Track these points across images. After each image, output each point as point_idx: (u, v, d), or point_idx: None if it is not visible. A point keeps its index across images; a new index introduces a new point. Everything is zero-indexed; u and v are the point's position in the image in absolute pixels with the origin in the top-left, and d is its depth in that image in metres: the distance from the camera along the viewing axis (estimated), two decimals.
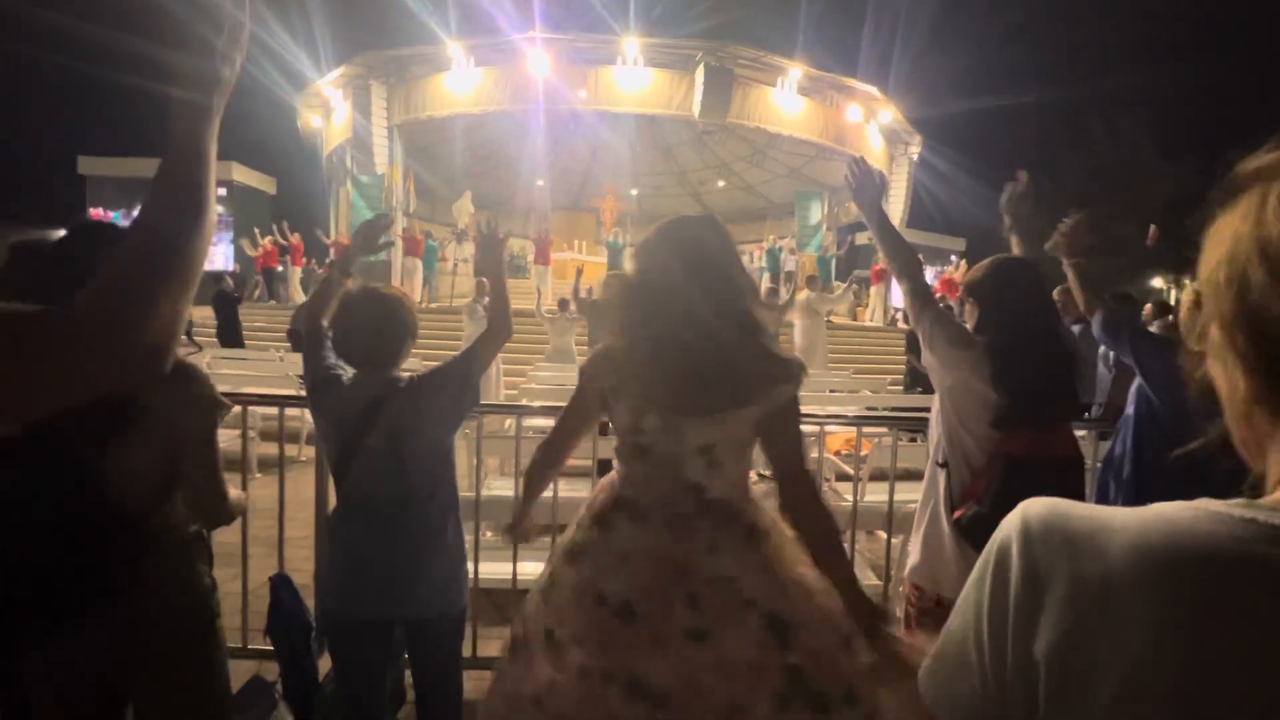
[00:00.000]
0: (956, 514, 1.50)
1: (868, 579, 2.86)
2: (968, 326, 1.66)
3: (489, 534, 2.99)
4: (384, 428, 1.52)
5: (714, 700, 1.09)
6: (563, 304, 7.78)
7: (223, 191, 16.60)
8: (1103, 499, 2.19)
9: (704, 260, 1.22)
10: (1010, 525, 0.46)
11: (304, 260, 13.64)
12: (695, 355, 1.18)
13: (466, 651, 2.52)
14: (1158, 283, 19.20)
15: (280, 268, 13.52)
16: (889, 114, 14.29)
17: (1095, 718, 0.38)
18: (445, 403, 1.59)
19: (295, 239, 13.42)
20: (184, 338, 1.07)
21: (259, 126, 16.15)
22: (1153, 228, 3.95)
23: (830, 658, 1.11)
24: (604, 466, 1.81)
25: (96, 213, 14.04)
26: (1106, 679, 0.37)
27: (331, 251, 13.26)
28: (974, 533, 1.47)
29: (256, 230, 13.95)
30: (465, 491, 2.58)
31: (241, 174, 16.49)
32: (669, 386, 1.19)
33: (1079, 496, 1.49)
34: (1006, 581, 0.44)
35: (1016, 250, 1.81)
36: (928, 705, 0.50)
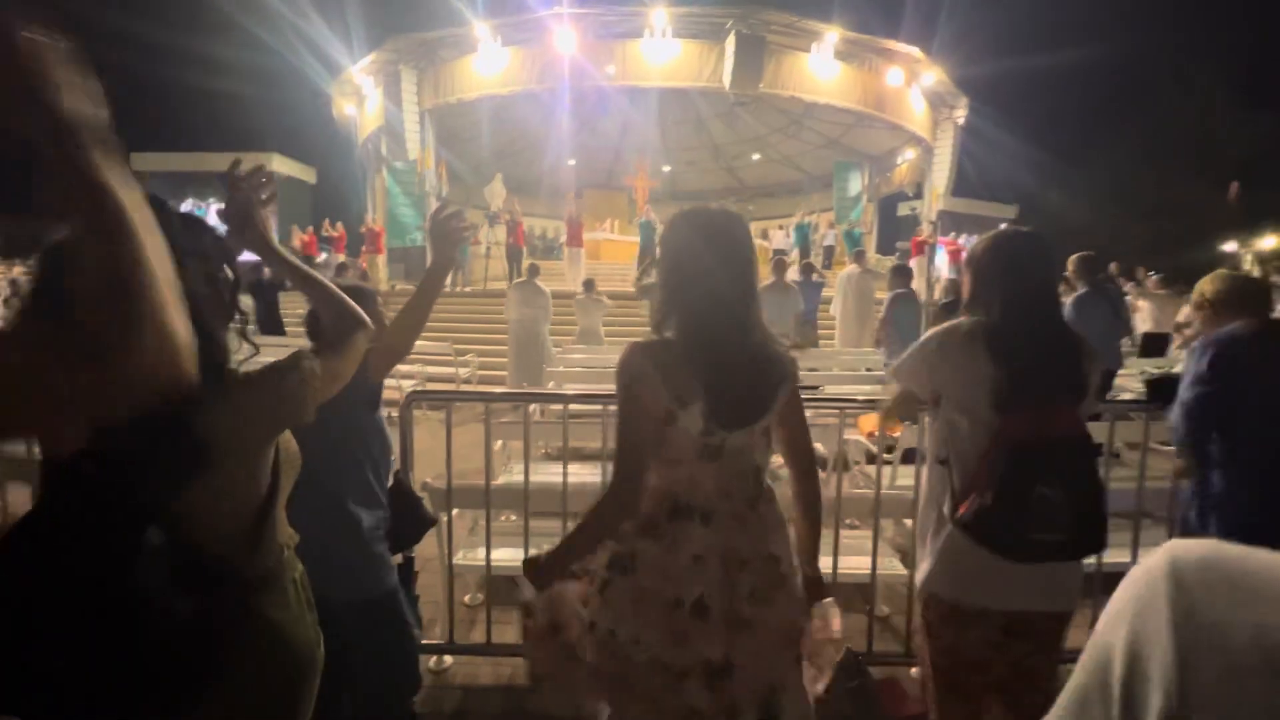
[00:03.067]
0: (960, 510, 1.40)
1: (894, 569, 2.74)
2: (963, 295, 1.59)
3: (512, 518, 3.00)
4: None
5: (764, 672, 1.23)
6: (587, 284, 7.74)
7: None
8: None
9: (735, 251, 1.25)
10: (1154, 568, 0.40)
11: (345, 250, 14.01)
12: (730, 358, 1.22)
13: (480, 638, 2.54)
14: (1230, 246, 17.90)
15: (323, 255, 13.88)
16: (932, 76, 13.58)
17: None
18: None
19: (338, 229, 13.79)
20: (241, 340, 0.99)
21: (297, 116, 16.52)
22: (1234, 185, 3.65)
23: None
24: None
25: None
26: None
27: (367, 239, 13.55)
28: (979, 529, 1.36)
29: (294, 226, 14.34)
30: (477, 480, 2.58)
31: (282, 164, 16.91)
32: (722, 403, 1.21)
33: (1089, 479, 1.38)
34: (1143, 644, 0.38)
35: None
36: None
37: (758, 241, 11.24)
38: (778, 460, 1.41)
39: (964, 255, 1.63)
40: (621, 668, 1.22)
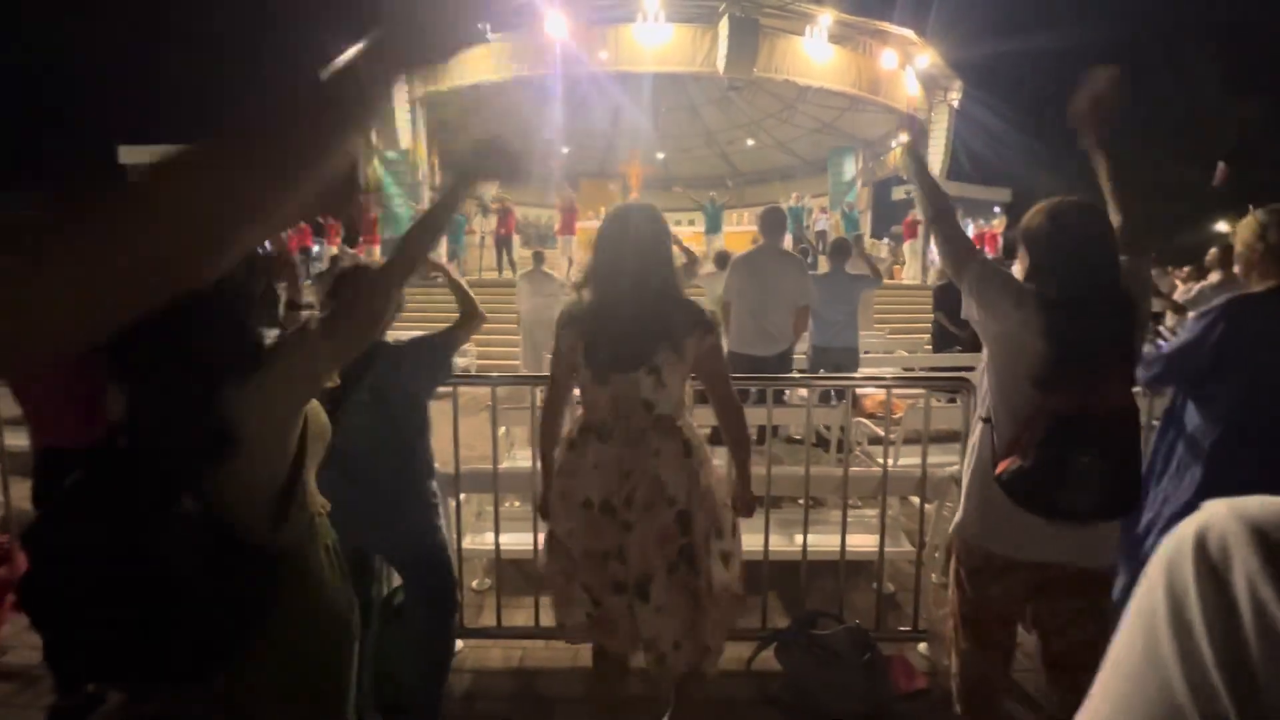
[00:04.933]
0: (999, 468, 1.41)
1: (901, 545, 2.76)
2: (1017, 275, 1.54)
3: (517, 504, 2.99)
4: (370, 383, 1.73)
5: (634, 567, 1.56)
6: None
7: None
8: (1163, 462, 1.99)
9: (637, 239, 1.61)
10: (1191, 537, 0.30)
11: (339, 240, 13.83)
12: (626, 312, 1.57)
13: (490, 621, 2.55)
14: (1223, 227, 18.01)
15: (316, 248, 13.74)
16: (926, 58, 13.51)
17: None
18: (423, 368, 1.87)
19: (331, 219, 13.59)
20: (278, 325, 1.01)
21: None
22: (1221, 166, 3.62)
23: (706, 531, 1.59)
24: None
25: None
26: None
27: (364, 227, 13.40)
28: (1016, 488, 1.38)
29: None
30: (483, 464, 2.57)
31: None
32: (611, 345, 1.58)
33: (1132, 450, 1.38)
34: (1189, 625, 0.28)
35: (1108, 188, 1.57)
36: None
37: (752, 228, 11.23)
38: None
39: (1019, 226, 1.59)
40: (567, 558, 1.63)
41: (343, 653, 1.09)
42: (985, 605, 1.53)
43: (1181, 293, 5.66)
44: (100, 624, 0.82)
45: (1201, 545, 0.29)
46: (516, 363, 7.43)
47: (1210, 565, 0.28)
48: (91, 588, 0.81)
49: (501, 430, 3.36)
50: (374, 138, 14.58)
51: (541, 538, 2.56)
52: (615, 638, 1.65)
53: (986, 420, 1.51)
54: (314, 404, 1.10)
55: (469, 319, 2.05)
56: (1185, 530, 0.30)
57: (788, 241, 12.39)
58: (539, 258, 7.49)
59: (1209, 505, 0.30)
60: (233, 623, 0.90)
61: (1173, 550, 0.30)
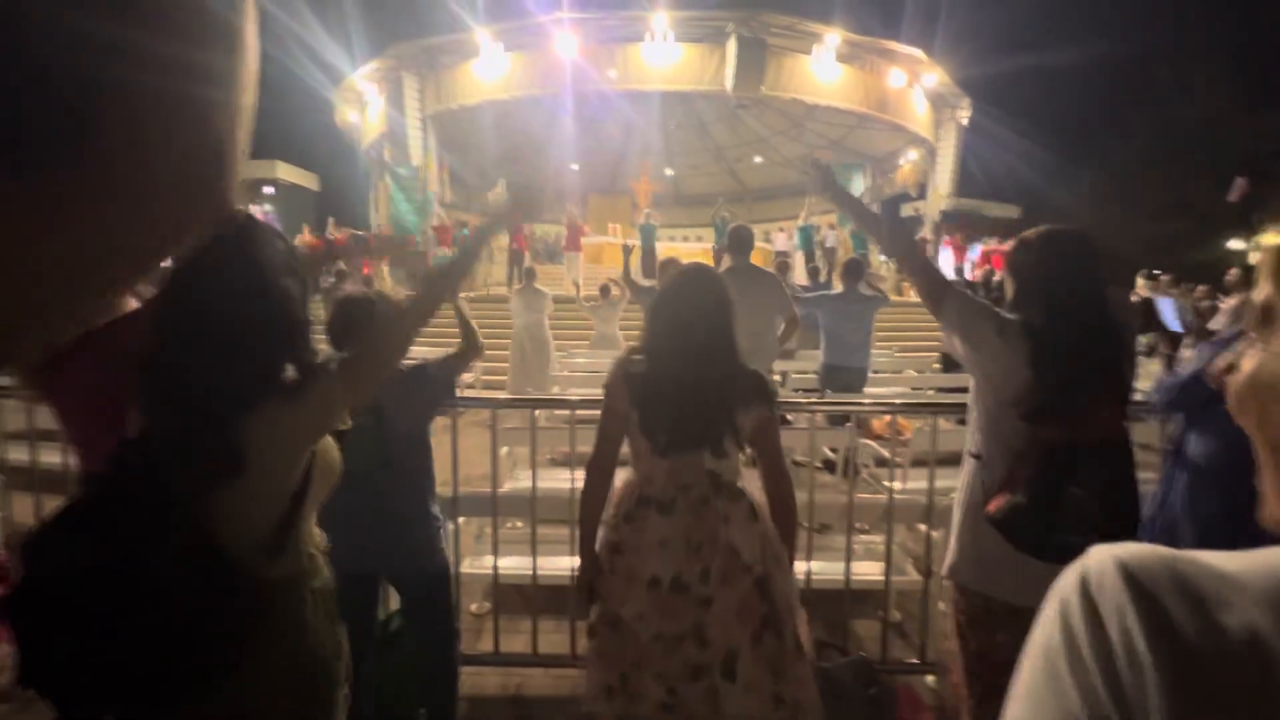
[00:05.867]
0: (990, 507, 1.37)
1: (908, 573, 2.70)
2: (1006, 300, 1.51)
3: (518, 525, 2.96)
4: (372, 406, 1.72)
5: (718, 646, 1.43)
6: (604, 290, 7.68)
7: (269, 190, 17.14)
8: (1166, 487, 1.96)
9: (702, 312, 1.51)
10: (1076, 578, 0.35)
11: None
12: (686, 395, 1.47)
13: (488, 647, 2.51)
14: (1235, 244, 17.81)
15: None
16: (934, 77, 13.56)
17: None
18: (424, 393, 1.90)
19: (341, 234, 13.74)
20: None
21: (300, 124, 16.55)
22: (1239, 181, 3.57)
23: (785, 593, 1.49)
24: None
25: None
26: None
27: (370, 243, 13.53)
28: (1009, 526, 1.34)
29: (306, 227, 14.34)
30: (482, 487, 2.55)
31: (286, 171, 16.98)
32: (670, 425, 1.48)
33: (1126, 481, 1.34)
34: (1080, 656, 0.32)
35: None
36: None
37: (759, 244, 11.21)
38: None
39: (1006, 255, 1.56)
40: (633, 644, 1.48)
41: (320, 696, 1.06)
42: (992, 653, 1.46)
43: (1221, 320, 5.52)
44: (77, 639, 0.82)
45: (1085, 584, 0.34)
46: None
47: (1091, 602, 0.33)
48: (76, 602, 0.81)
49: (504, 450, 3.34)
50: (386, 155, 14.82)
51: (540, 561, 2.58)
52: None
53: (976, 456, 1.47)
54: (326, 441, 1.10)
55: (469, 352, 2.10)
56: (1073, 572, 0.35)
57: (799, 260, 12.46)
58: (530, 274, 7.63)
59: (1094, 550, 0.35)
60: (212, 649, 0.90)
61: (1065, 589, 0.35)
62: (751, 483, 1.58)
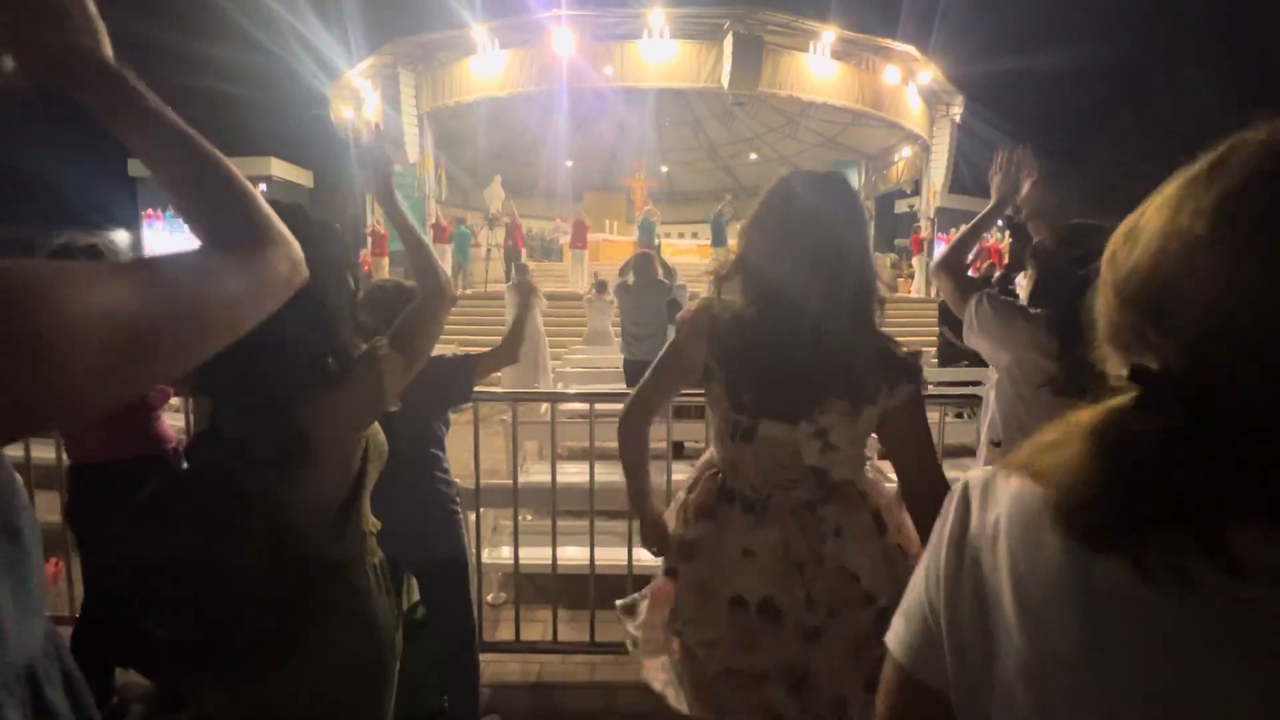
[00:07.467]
0: None
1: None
2: (1022, 290, 1.60)
3: (528, 518, 3.01)
4: None
5: (823, 692, 1.14)
6: (600, 286, 7.72)
7: (262, 187, 17.01)
8: None
9: (828, 228, 1.09)
10: (960, 485, 0.55)
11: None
12: (796, 342, 1.08)
13: (509, 635, 2.56)
14: None
15: None
16: (929, 74, 13.66)
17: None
18: (434, 388, 1.80)
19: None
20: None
21: (293, 120, 16.44)
22: None
23: None
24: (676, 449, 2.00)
25: (149, 214, 14.57)
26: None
27: (369, 241, 13.54)
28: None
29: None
30: (505, 479, 2.60)
31: (280, 168, 16.87)
32: (765, 386, 1.11)
33: None
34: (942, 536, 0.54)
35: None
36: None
37: None
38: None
39: (1031, 249, 1.65)
40: (700, 676, 1.20)
41: (385, 666, 1.12)
42: None
43: None
44: (169, 621, 0.87)
45: (964, 489, 0.53)
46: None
47: (962, 500, 0.53)
48: (166, 587, 0.86)
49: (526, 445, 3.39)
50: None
51: (561, 551, 2.63)
52: None
53: (996, 444, 1.51)
54: (375, 425, 1.14)
55: (505, 354, 2.12)
56: (960, 481, 0.54)
57: None
58: (523, 270, 7.64)
59: (970, 470, 0.57)
60: (288, 625, 0.95)
61: (956, 492, 0.54)
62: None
